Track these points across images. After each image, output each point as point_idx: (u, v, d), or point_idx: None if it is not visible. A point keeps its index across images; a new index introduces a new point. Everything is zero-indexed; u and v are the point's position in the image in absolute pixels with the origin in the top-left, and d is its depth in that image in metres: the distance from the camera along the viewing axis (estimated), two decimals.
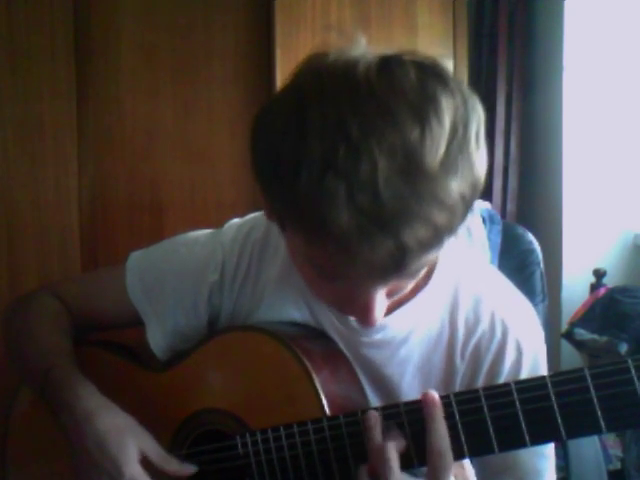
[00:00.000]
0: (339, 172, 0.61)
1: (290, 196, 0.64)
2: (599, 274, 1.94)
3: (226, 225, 0.98)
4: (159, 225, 1.95)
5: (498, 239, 1.13)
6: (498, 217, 1.15)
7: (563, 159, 2.09)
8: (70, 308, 0.99)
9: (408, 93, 0.62)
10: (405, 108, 0.61)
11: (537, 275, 1.18)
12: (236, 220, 0.98)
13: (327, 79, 0.64)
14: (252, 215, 0.98)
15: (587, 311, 1.83)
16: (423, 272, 0.74)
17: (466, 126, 0.63)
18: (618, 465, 1.79)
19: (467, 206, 0.65)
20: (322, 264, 0.68)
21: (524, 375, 0.85)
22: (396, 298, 0.76)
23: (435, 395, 0.73)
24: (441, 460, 0.71)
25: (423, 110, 0.62)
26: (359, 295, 0.70)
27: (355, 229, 0.61)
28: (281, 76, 1.85)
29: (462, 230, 1.04)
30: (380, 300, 0.71)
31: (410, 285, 0.76)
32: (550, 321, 1.32)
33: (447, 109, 0.62)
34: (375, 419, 0.74)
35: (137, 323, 0.97)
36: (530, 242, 1.19)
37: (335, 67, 0.65)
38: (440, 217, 0.62)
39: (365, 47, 0.67)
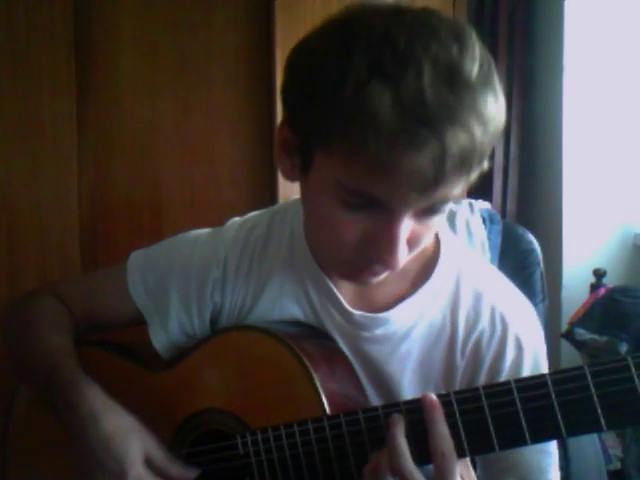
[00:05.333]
0: (386, 77, 0.63)
1: (334, 104, 0.65)
2: (599, 274, 1.94)
3: (227, 223, 0.98)
4: (159, 225, 1.95)
5: (498, 239, 1.13)
6: (498, 217, 1.15)
7: (563, 159, 2.09)
8: (71, 308, 0.99)
9: (445, 20, 0.68)
10: (445, 28, 0.66)
11: (537, 275, 1.18)
12: (237, 218, 0.98)
13: (370, 7, 0.69)
14: (253, 213, 0.99)
15: (587, 311, 1.83)
16: (443, 217, 0.75)
17: (490, 65, 0.68)
18: (618, 465, 1.79)
19: (495, 132, 0.68)
20: (359, 183, 0.68)
21: (525, 372, 0.85)
22: (414, 253, 0.76)
23: (434, 397, 0.73)
24: (445, 462, 0.71)
25: (460, 34, 0.67)
26: (387, 226, 0.70)
27: (401, 127, 0.63)
28: (281, 76, 1.85)
29: (462, 230, 1.06)
30: (404, 237, 0.71)
31: (427, 238, 0.76)
32: (550, 321, 1.32)
33: (477, 42, 0.68)
34: (399, 419, 0.74)
35: (138, 323, 0.97)
36: (530, 242, 1.19)
37: (377, 2, 0.70)
38: (477, 127, 0.65)
39: None
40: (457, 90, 0.64)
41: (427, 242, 0.77)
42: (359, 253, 0.74)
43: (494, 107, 0.67)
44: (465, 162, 0.66)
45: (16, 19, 1.85)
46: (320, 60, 0.67)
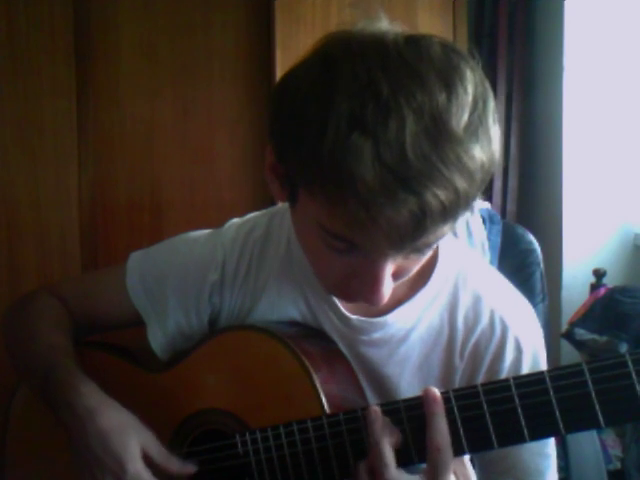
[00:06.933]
0: (367, 129, 0.61)
1: (314, 154, 0.64)
2: (599, 274, 1.94)
3: (226, 225, 0.98)
4: (159, 225, 1.95)
5: (498, 239, 1.13)
6: (498, 217, 1.15)
7: (563, 159, 2.09)
8: (70, 308, 0.99)
9: (435, 61, 0.64)
10: (433, 73, 0.63)
11: (537, 275, 1.18)
12: (236, 220, 0.98)
13: (356, 44, 0.66)
14: (252, 214, 0.98)
15: (587, 311, 1.83)
16: (430, 253, 0.74)
17: (485, 101, 0.66)
18: (618, 465, 1.80)
19: (484, 178, 0.66)
20: (338, 230, 0.67)
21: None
22: (399, 282, 0.75)
23: (436, 391, 0.72)
24: (440, 456, 0.71)
25: (449, 77, 0.64)
26: (370, 267, 0.70)
27: (380, 186, 0.61)
28: (281, 76, 1.85)
29: (462, 230, 1.06)
30: (388, 276, 0.71)
31: (415, 268, 0.75)
32: (550, 321, 1.32)
33: (470, 82, 0.65)
34: (376, 414, 0.73)
35: (137, 323, 0.97)
36: (530, 242, 1.19)
37: (363, 35, 0.67)
38: (461, 181, 0.63)
39: (387, 24, 0.69)
40: (441, 145, 0.62)
41: (414, 270, 0.76)
42: (344, 283, 0.75)
43: (482, 156, 0.64)
44: (448, 215, 0.64)
45: (16, 19, 1.85)
46: (302, 104, 0.66)
